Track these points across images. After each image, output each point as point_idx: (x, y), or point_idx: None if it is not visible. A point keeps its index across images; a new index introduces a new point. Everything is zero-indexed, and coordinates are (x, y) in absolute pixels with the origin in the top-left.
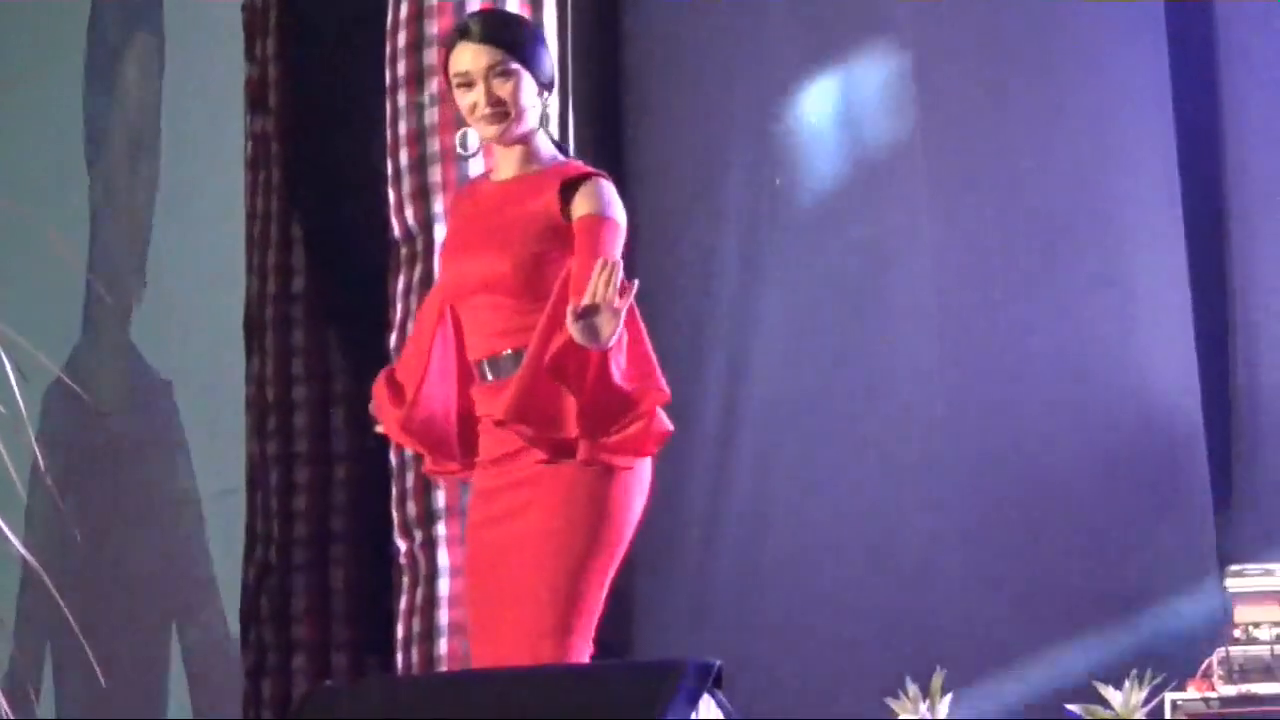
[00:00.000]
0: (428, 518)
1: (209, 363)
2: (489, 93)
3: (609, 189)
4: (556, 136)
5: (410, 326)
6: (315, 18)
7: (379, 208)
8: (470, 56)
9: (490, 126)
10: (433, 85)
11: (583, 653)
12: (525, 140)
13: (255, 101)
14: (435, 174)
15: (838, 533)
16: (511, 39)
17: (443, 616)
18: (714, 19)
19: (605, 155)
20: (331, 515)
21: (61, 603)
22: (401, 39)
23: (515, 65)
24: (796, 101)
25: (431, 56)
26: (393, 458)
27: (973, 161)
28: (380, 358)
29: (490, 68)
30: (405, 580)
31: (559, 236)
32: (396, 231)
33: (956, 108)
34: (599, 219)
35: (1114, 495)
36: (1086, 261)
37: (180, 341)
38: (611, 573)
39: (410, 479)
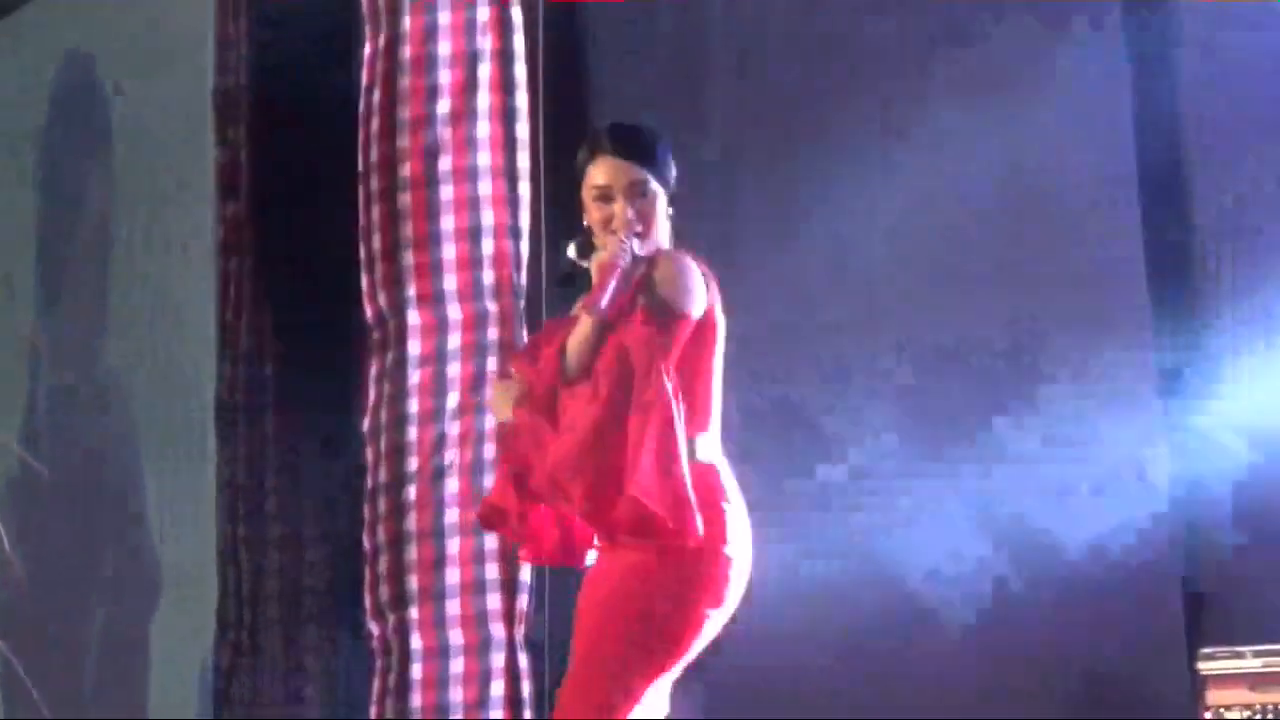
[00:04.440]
0: (400, 601)
1: (181, 445)
2: (628, 209)
3: (667, 265)
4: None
5: (384, 411)
6: (287, 104)
7: (351, 293)
8: (611, 172)
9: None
10: (405, 169)
11: None
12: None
13: (226, 186)
14: (407, 258)
15: (820, 625)
16: (649, 155)
17: (416, 699)
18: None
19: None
20: (303, 598)
21: (30, 684)
22: (374, 125)
23: (655, 186)
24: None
25: (404, 140)
26: (366, 542)
27: (941, 254)
28: (351, 442)
29: (631, 184)
30: (378, 664)
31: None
32: (369, 316)
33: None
34: (644, 311)
35: (1086, 581)
36: (1057, 360)
37: (150, 423)
38: (654, 668)
39: (384, 563)
